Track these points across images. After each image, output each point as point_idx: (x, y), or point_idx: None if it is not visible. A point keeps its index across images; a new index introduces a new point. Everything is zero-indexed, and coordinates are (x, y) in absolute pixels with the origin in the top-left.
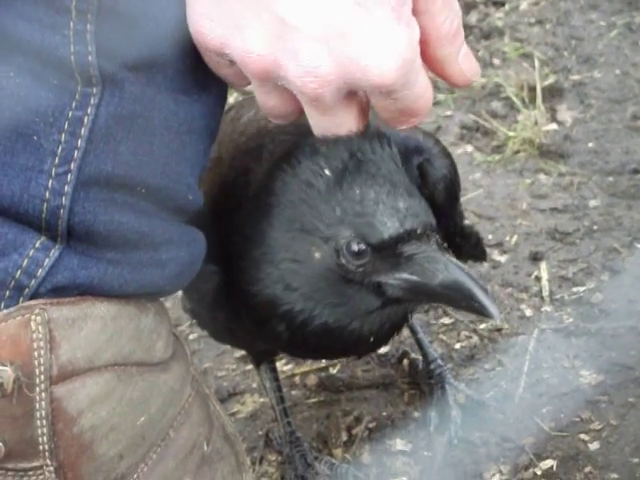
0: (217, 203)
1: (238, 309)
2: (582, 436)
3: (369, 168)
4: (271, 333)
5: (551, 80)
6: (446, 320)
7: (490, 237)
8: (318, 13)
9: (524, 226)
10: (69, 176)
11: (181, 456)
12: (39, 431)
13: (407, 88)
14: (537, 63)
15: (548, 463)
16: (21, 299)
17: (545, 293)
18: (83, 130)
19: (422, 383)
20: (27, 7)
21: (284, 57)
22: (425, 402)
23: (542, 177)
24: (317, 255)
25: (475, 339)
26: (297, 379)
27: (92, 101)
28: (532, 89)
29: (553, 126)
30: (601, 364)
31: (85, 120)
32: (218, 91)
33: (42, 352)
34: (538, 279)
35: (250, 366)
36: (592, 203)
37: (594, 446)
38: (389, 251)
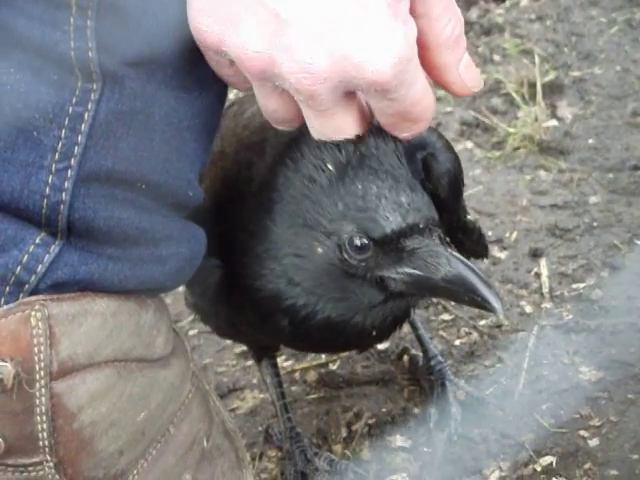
0: (220, 197)
1: (241, 303)
2: (582, 432)
3: (372, 163)
4: (274, 327)
5: (551, 76)
6: (446, 316)
7: (490, 233)
8: (313, 8)
9: (524, 222)
10: (69, 172)
11: (181, 452)
12: (39, 427)
13: (403, 88)
14: (537, 59)
15: (548, 459)
16: (21, 295)
17: (545, 290)
18: (83, 126)
19: (422, 379)
20: (27, 4)
21: (278, 53)
22: (425, 398)
23: (542, 173)
24: (320, 250)
25: (475, 336)
26: (297, 375)
27: (92, 97)
28: (532, 85)
29: (553, 122)
30: (601, 361)
31: (85, 116)
32: (218, 88)
33: (42, 348)
34: (538, 276)
35: (250, 362)
36: (592, 199)
37: (594, 442)
38: (392, 246)
